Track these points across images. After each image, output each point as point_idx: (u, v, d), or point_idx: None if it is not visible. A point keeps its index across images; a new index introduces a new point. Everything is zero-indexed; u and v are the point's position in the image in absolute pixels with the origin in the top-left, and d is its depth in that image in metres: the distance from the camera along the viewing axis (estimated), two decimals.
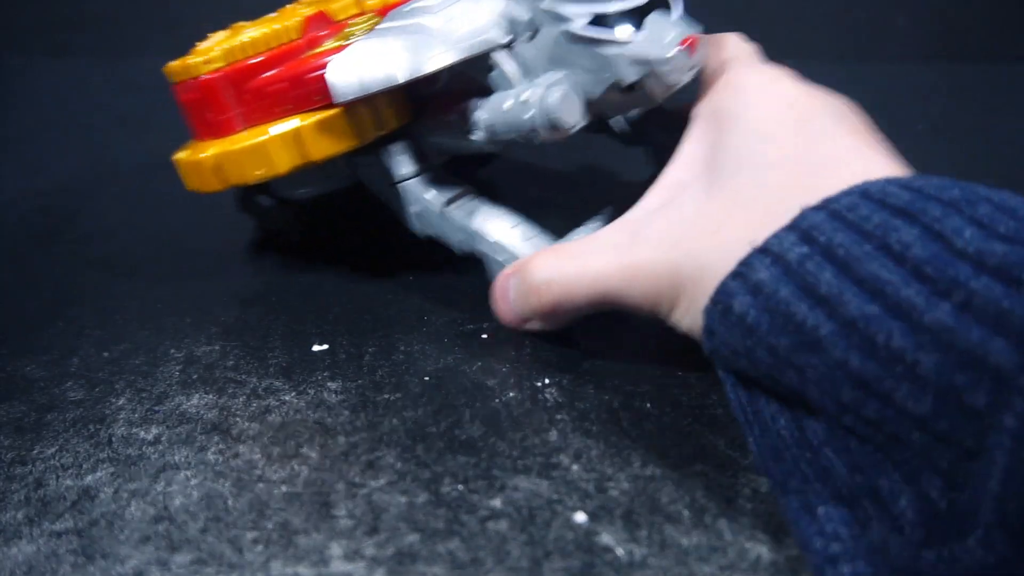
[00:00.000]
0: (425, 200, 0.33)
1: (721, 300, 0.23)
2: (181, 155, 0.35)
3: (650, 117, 0.38)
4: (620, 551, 0.22)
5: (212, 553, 0.23)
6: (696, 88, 0.31)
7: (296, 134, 0.32)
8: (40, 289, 0.38)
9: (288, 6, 0.38)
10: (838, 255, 0.21)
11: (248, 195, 0.40)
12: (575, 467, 0.25)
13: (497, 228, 0.32)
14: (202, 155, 0.33)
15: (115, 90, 0.69)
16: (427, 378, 0.30)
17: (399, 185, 0.34)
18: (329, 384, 0.30)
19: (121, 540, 0.24)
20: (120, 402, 0.29)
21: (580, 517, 0.24)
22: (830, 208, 0.22)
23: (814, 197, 0.22)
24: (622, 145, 0.39)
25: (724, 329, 0.23)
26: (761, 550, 0.22)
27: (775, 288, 0.21)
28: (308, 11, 0.34)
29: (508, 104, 0.30)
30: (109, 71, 0.72)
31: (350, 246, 0.41)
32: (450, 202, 0.33)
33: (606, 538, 0.23)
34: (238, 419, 0.28)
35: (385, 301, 0.35)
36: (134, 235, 0.43)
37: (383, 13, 0.34)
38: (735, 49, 0.31)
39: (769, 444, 0.22)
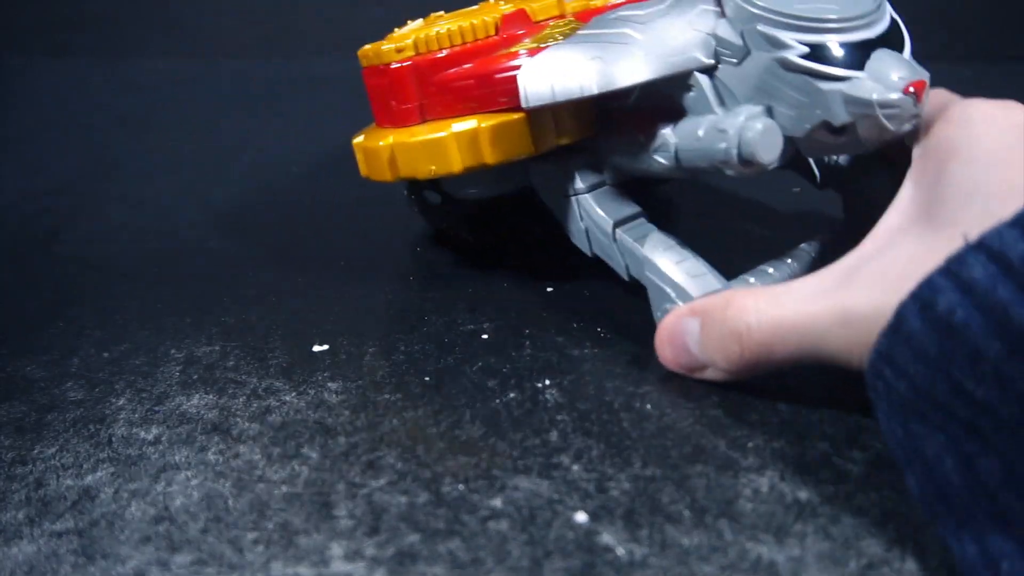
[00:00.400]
0: (596, 218, 0.32)
1: (923, 296, 0.20)
2: (359, 139, 0.35)
3: (852, 160, 0.35)
4: (621, 551, 0.22)
5: (212, 553, 0.23)
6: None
7: (474, 135, 0.31)
8: (40, 289, 0.38)
9: (488, 1, 0.37)
10: None
11: (416, 189, 0.39)
12: (576, 467, 0.25)
13: (666, 260, 0.30)
14: (380, 143, 0.33)
15: (115, 90, 0.69)
16: (427, 378, 0.30)
17: (571, 198, 0.32)
18: (329, 384, 0.30)
19: (121, 540, 0.24)
20: (120, 402, 0.29)
21: (581, 517, 0.23)
22: None
23: None
24: (810, 186, 0.36)
25: (920, 328, 0.20)
26: (762, 550, 0.22)
27: (991, 286, 0.19)
28: (508, 8, 0.33)
29: (702, 131, 0.28)
30: (109, 71, 0.72)
31: (350, 247, 0.41)
32: (620, 223, 0.31)
33: (607, 538, 0.23)
34: (238, 419, 0.28)
35: (385, 301, 0.35)
36: (134, 235, 0.43)
37: (584, 18, 0.33)
38: (950, 95, 0.28)
39: (934, 487, 0.20)
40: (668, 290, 0.29)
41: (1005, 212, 0.21)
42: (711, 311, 0.27)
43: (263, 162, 0.53)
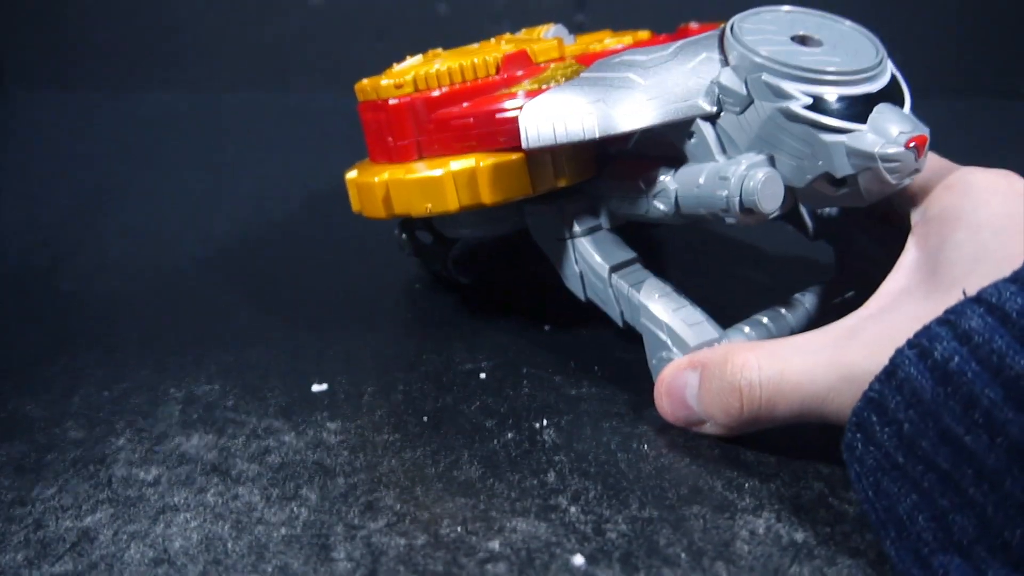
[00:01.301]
0: (591, 262, 0.31)
1: (920, 343, 0.21)
2: (352, 175, 0.35)
3: (846, 214, 0.35)
4: None
5: None
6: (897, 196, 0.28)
7: (472, 174, 0.30)
8: (40, 323, 0.38)
9: (491, 40, 0.37)
10: None
11: (409, 228, 0.39)
12: (573, 509, 0.25)
13: (661, 307, 0.30)
14: (375, 179, 0.32)
15: (117, 123, 0.69)
16: (425, 418, 0.30)
17: (567, 241, 0.32)
18: (328, 424, 0.30)
19: None
20: (120, 442, 0.29)
21: (578, 560, 0.24)
22: None
23: None
24: (803, 237, 0.36)
25: (915, 374, 0.21)
26: None
27: (989, 336, 0.20)
28: (509, 48, 0.33)
29: (703, 178, 0.28)
30: (112, 104, 0.73)
31: (350, 283, 0.41)
32: (616, 269, 0.31)
33: None
34: (238, 460, 0.28)
35: (384, 339, 0.35)
36: (135, 269, 0.43)
37: (584, 61, 0.33)
38: (945, 162, 0.29)
39: (909, 547, 0.20)
40: (664, 338, 0.29)
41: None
42: (710, 365, 0.27)
43: (264, 195, 0.53)
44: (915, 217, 0.27)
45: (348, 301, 0.39)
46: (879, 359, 0.22)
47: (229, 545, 0.25)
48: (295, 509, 0.26)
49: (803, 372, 0.25)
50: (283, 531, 0.25)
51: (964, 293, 0.21)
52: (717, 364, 0.27)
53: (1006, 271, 0.22)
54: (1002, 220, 0.24)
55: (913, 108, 0.28)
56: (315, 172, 0.57)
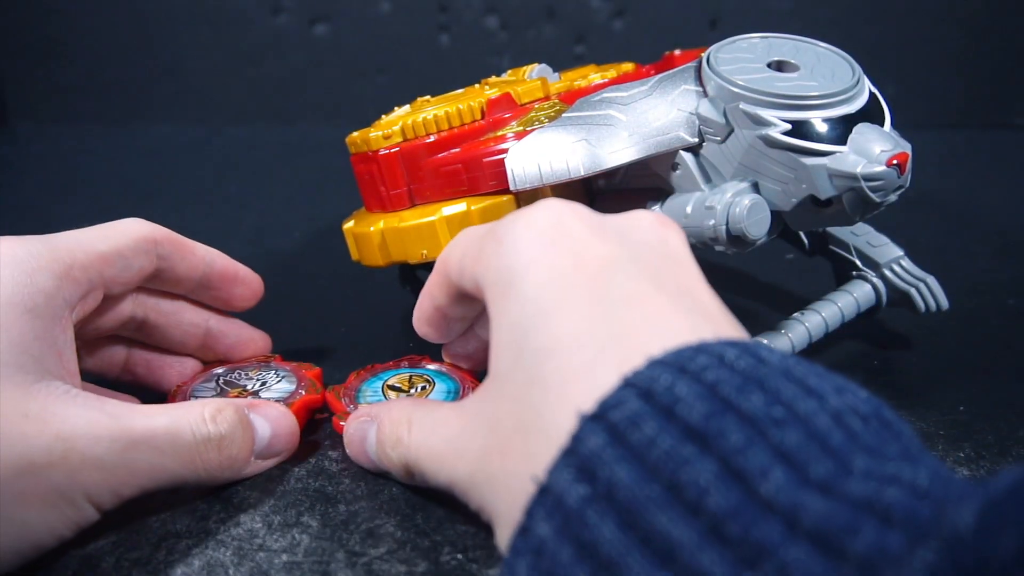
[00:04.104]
0: None
1: (508, 566, 0.19)
2: (349, 225, 0.36)
3: (840, 229, 0.35)
4: None
5: None
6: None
7: (464, 217, 0.31)
8: None
9: (475, 85, 0.38)
10: (620, 499, 0.17)
11: (409, 269, 0.40)
12: None
13: None
14: (370, 228, 0.34)
15: (121, 156, 0.70)
16: None
17: None
18: (330, 453, 0.30)
19: None
20: None
21: None
22: (609, 421, 0.18)
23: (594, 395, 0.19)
24: (800, 252, 0.37)
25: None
26: None
27: (556, 550, 0.18)
28: (493, 92, 0.34)
29: (690, 208, 0.29)
30: (115, 137, 0.74)
31: (351, 314, 0.41)
32: None
33: None
34: (239, 487, 0.28)
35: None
36: None
37: (568, 99, 0.34)
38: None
39: None
40: None
41: (550, 379, 0.20)
42: (380, 422, 0.27)
43: (265, 228, 0.54)
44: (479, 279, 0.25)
45: (350, 332, 0.40)
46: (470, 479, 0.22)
47: (231, 572, 0.25)
48: (296, 536, 0.26)
49: (446, 451, 0.24)
50: (284, 558, 0.25)
51: (533, 482, 0.19)
52: (382, 422, 0.27)
53: (542, 370, 0.20)
54: (546, 291, 0.22)
55: (894, 125, 0.28)
56: (317, 205, 0.57)
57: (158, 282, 0.32)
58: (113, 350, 0.33)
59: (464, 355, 0.31)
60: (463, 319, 0.29)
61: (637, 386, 0.18)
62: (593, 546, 0.17)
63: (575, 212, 0.23)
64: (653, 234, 0.23)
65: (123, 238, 0.29)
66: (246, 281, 0.34)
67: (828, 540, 0.15)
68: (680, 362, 0.18)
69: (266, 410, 0.28)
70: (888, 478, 0.16)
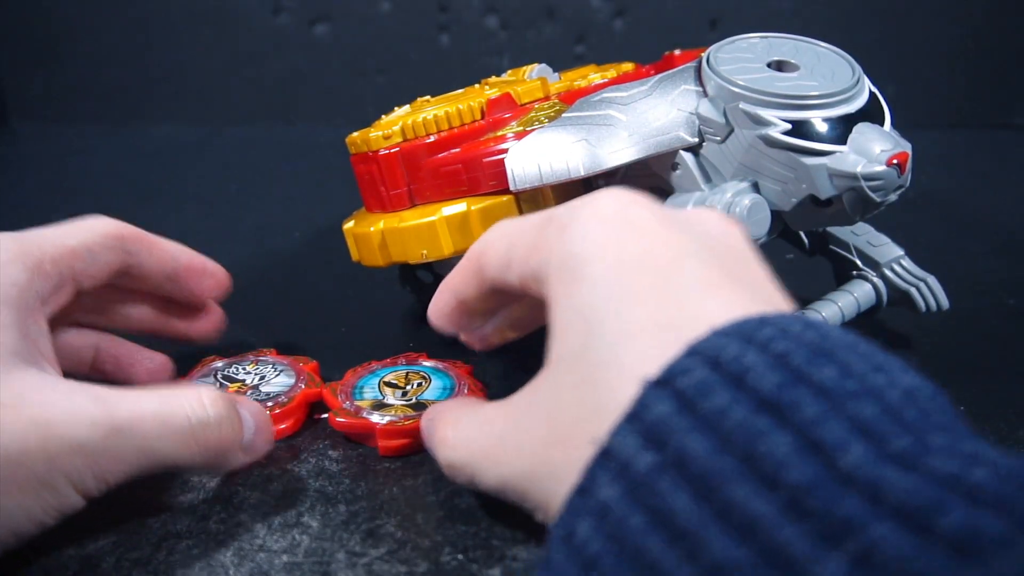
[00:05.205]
0: None
1: (563, 524, 0.18)
2: (349, 225, 0.36)
3: (840, 229, 0.35)
4: None
5: None
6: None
7: (464, 218, 0.31)
8: None
9: (475, 85, 0.38)
10: (693, 470, 0.16)
11: (409, 269, 0.40)
12: None
13: None
14: (371, 228, 0.34)
15: (121, 156, 0.70)
16: None
17: None
18: (330, 452, 0.30)
19: None
20: None
21: None
22: (676, 388, 0.17)
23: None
24: (800, 252, 0.37)
25: (564, 560, 0.18)
26: None
27: (624, 515, 0.17)
28: (493, 92, 0.34)
29: (690, 208, 0.29)
30: (115, 138, 0.74)
31: (351, 313, 0.41)
32: None
33: None
34: (240, 487, 0.28)
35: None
36: None
37: (568, 99, 0.34)
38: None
39: None
40: None
41: (623, 359, 0.19)
42: (433, 423, 0.26)
43: (266, 228, 0.54)
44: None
45: (349, 332, 0.40)
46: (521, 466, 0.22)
47: (231, 572, 0.25)
48: (297, 536, 0.26)
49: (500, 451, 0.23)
50: (285, 558, 0.25)
51: (593, 444, 0.19)
52: (427, 425, 0.27)
53: (613, 355, 0.20)
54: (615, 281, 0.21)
55: (894, 125, 0.28)
56: (317, 205, 0.57)
57: (127, 278, 0.32)
58: (81, 347, 0.33)
59: (479, 336, 0.30)
60: (487, 313, 0.28)
61: (703, 354, 0.18)
62: (668, 516, 0.16)
63: (640, 201, 0.22)
64: (717, 227, 0.23)
65: (90, 234, 0.30)
66: (213, 274, 0.34)
67: (915, 517, 0.14)
68: (746, 332, 0.18)
69: (248, 405, 0.28)
70: (969, 457, 0.15)
